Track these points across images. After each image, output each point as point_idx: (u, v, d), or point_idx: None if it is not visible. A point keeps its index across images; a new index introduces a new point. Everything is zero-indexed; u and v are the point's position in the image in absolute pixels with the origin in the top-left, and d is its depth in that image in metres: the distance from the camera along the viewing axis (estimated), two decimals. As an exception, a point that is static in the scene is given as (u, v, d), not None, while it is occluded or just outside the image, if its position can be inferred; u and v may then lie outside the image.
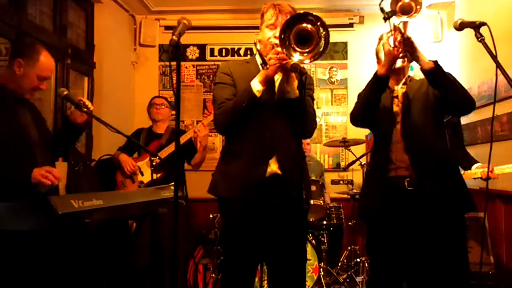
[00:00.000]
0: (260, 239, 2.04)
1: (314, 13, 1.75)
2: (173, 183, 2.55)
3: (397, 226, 2.17)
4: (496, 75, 1.63)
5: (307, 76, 2.22)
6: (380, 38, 2.32)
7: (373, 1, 4.82)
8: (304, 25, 1.76)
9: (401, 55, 2.07)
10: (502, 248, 3.59)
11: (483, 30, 1.75)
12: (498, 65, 1.63)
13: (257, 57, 2.18)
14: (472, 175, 3.00)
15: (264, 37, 2.11)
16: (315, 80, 5.23)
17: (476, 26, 1.74)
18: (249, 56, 2.75)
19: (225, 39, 5.27)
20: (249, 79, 2.03)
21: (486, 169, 2.99)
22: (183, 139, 3.45)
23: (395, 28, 2.04)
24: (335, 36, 5.19)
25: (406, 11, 1.98)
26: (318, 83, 5.25)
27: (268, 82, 1.98)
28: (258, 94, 1.94)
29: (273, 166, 2.02)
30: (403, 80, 2.29)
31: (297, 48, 1.79)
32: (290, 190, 2.01)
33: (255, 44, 2.20)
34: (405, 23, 2.02)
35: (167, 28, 5.23)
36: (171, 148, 3.48)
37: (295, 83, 1.94)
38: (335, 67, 5.25)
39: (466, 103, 2.13)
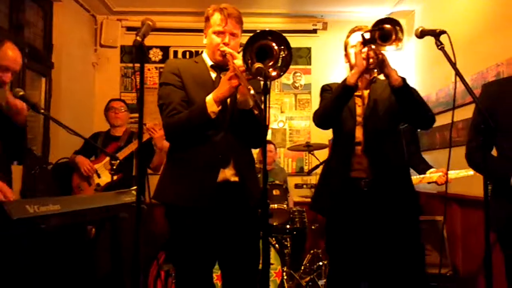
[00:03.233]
0: (212, 247, 2.01)
1: (283, 35, 1.73)
2: (134, 188, 2.50)
3: (353, 225, 2.20)
4: (455, 82, 1.67)
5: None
6: (351, 31, 2.32)
7: (337, 8, 4.97)
8: (269, 42, 1.74)
9: (371, 66, 2.09)
10: (459, 250, 3.71)
11: (443, 38, 1.80)
12: (458, 73, 1.67)
13: (205, 58, 2.12)
14: (428, 180, 3.09)
15: (211, 43, 2.04)
16: (279, 84, 5.27)
17: (436, 34, 1.78)
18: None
19: (188, 42, 5.22)
20: (199, 81, 2.00)
21: (441, 174, 3.08)
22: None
23: (371, 49, 2.04)
24: (299, 41, 5.26)
25: (386, 38, 1.99)
26: (282, 88, 5.28)
27: (223, 101, 1.92)
28: (213, 116, 1.88)
29: (228, 173, 1.99)
30: (369, 80, 2.31)
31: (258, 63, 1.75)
32: (247, 198, 2.01)
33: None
34: None
35: (129, 29, 5.13)
36: (129, 149, 3.42)
37: (249, 96, 1.86)
38: (299, 72, 5.30)
39: (426, 120, 2.20)
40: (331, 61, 5.25)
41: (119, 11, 5.00)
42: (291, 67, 5.24)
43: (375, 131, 2.22)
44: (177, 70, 2.03)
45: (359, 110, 2.24)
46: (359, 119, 2.24)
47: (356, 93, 2.25)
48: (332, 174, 2.34)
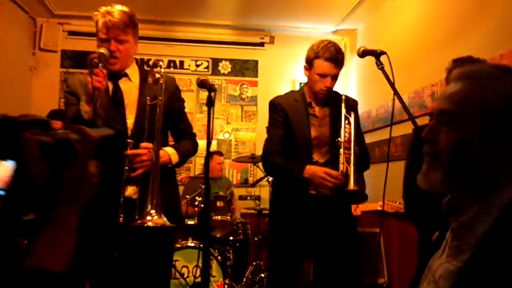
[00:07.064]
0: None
1: None
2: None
3: (298, 228, 2.29)
4: (394, 100, 1.74)
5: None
6: (315, 55, 2.29)
7: (283, 23, 5.06)
8: None
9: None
10: (395, 261, 3.84)
11: (383, 58, 1.87)
12: (396, 93, 1.74)
13: None
14: None
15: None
16: (226, 95, 5.27)
17: (377, 55, 1.84)
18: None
19: (141, 49, 5.07)
20: None
21: None
22: None
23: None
24: (247, 54, 5.31)
25: None
26: (229, 99, 5.29)
27: None
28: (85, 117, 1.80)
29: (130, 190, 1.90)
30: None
31: None
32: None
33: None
34: None
35: (71, 33, 4.94)
36: None
37: None
38: (246, 84, 5.33)
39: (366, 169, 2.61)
40: (277, 74, 5.33)
41: (61, 14, 4.82)
42: (239, 78, 5.33)
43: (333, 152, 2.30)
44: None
45: (314, 133, 2.29)
46: (315, 141, 2.30)
47: (311, 112, 2.31)
48: (289, 193, 2.35)
